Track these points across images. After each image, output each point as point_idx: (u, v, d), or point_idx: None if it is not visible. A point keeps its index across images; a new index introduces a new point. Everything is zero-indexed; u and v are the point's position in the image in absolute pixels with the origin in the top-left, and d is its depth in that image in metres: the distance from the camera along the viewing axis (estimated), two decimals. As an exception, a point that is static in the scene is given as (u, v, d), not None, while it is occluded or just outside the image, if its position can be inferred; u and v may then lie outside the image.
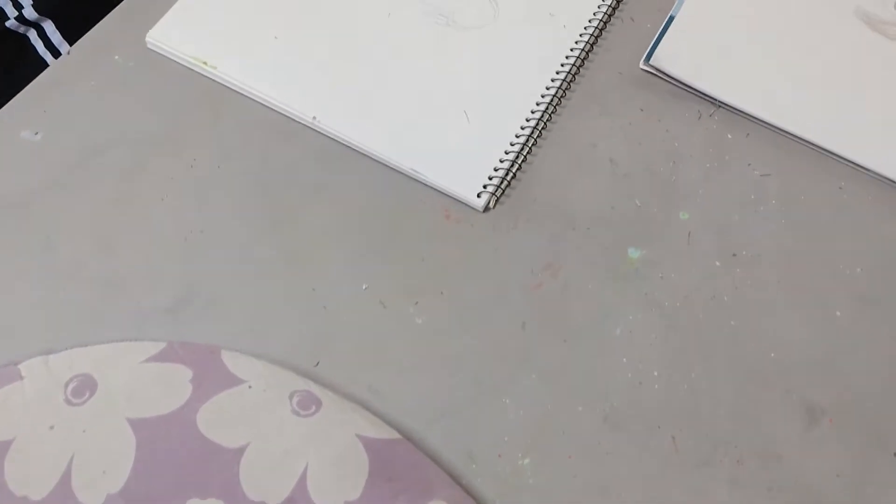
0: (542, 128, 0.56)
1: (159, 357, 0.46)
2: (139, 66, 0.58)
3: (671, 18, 0.60)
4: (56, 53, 0.79)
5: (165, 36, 0.58)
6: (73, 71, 0.58)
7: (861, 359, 0.49)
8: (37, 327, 0.47)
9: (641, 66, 0.58)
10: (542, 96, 0.57)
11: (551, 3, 0.61)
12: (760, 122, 0.57)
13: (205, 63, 0.57)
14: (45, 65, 0.80)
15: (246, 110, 0.57)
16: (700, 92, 0.57)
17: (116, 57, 0.58)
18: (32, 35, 0.79)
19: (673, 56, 0.58)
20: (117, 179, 0.53)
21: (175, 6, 0.59)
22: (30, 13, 0.77)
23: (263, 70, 0.57)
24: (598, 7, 0.61)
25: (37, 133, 0.55)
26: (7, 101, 0.60)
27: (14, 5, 0.78)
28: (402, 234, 0.52)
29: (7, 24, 0.78)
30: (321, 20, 0.59)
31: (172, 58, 0.58)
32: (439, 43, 0.58)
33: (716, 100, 0.57)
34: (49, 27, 0.79)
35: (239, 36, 0.58)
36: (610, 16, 0.61)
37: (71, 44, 0.79)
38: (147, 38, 0.58)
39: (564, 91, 0.57)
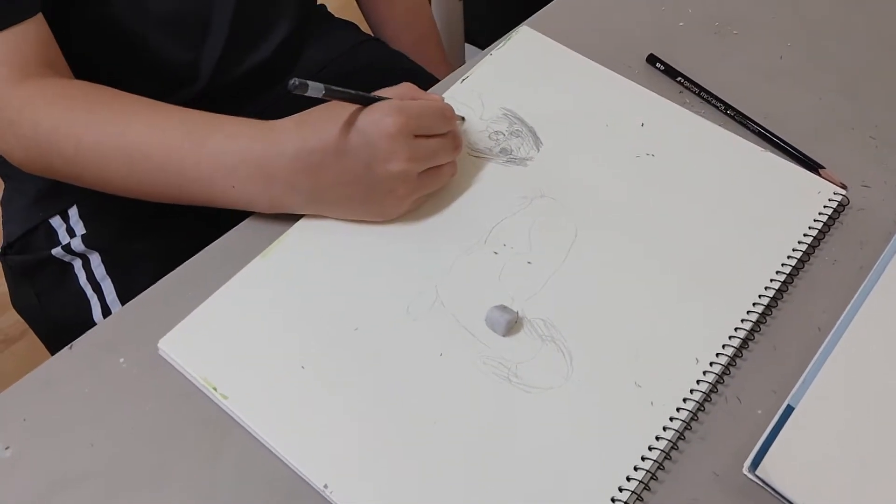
0: (608, 542, 0.44)
1: None
2: (143, 375, 0.50)
3: (789, 409, 0.48)
4: (97, 287, 0.73)
5: (179, 346, 0.50)
6: (68, 370, 0.50)
7: None
8: None
9: (745, 472, 0.46)
10: (614, 500, 0.45)
11: (639, 370, 0.49)
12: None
13: (214, 388, 0.48)
14: (84, 297, 0.73)
15: (251, 453, 0.47)
16: (820, 523, 0.44)
17: (121, 360, 0.50)
18: (77, 264, 0.73)
19: (789, 464, 0.45)
20: (80, 528, 0.44)
21: (196, 311, 0.51)
22: (77, 244, 0.72)
23: (277, 413, 0.47)
24: (698, 382, 0.49)
25: (7, 448, 0.47)
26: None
27: (67, 232, 0.73)
28: None
29: (53, 251, 0.72)
30: (357, 358, 0.49)
31: (182, 372, 0.49)
32: (495, 403, 0.48)
33: (840, 539, 0.44)
34: (95, 259, 0.73)
35: (258, 364, 0.49)
36: (711, 392, 0.49)
37: (113, 280, 0.73)
38: (159, 345, 0.50)
39: (640, 495, 0.45)
